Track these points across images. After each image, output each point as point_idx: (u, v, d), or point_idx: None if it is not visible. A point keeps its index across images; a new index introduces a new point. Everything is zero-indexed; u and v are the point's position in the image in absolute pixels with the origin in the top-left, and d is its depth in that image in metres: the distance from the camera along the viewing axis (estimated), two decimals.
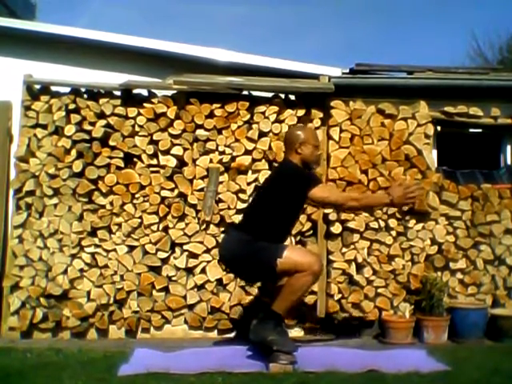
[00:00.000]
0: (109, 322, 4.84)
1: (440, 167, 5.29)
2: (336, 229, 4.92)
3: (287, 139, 4.00)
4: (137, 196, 4.91)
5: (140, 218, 4.89)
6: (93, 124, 4.97)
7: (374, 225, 4.94)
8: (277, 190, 3.77)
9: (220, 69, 5.34)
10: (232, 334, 4.87)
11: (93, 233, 4.89)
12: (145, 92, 5.10)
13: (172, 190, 4.93)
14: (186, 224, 4.90)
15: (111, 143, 4.95)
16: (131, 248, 4.89)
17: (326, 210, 4.89)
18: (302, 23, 32.84)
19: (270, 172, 4.61)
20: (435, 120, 5.20)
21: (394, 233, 4.97)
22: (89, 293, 4.83)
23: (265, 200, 3.86)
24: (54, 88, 5.08)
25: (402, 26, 32.61)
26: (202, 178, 4.95)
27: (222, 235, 4.85)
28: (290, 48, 26.49)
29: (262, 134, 4.98)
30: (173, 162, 4.96)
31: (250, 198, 4.67)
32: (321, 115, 5.02)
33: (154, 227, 4.90)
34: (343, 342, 4.62)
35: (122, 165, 4.94)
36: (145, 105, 4.99)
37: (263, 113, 5.00)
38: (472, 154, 5.96)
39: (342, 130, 5.04)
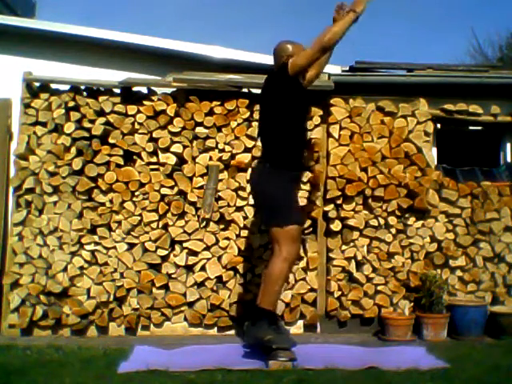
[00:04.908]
0: (109, 319, 4.84)
1: (440, 165, 5.30)
2: (336, 226, 4.92)
3: (276, 51, 3.97)
4: (136, 194, 4.91)
5: (140, 215, 4.89)
6: (92, 122, 4.97)
7: (374, 222, 4.95)
8: (270, 96, 3.79)
9: (219, 66, 5.34)
10: (232, 332, 4.88)
11: (92, 230, 4.90)
12: (144, 89, 5.09)
13: (172, 187, 4.93)
14: (186, 221, 4.90)
15: (111, 141, 4.95)
16: (131, 245, 4.89)
17: (326, 208, 4.90)
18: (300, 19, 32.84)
19: None
20: (435, 118, 5.21)
21: (393, 230, 4.97)
22: (89, 290, 4.84)
23: (267, 114, 3.86)
24: (53, 86, 5.08)
25: (402, 24, 32.64)
26: (202, 176, 4.95)
27: (222, 232, 4.88)
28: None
29: None
30: (172, 160, 4.96)
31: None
32: (320, 113, 5.02)
33: (154, 225, 4.90)
34: (343, 339, 4.62)
35: (122, 162, 4.94)
36: (144, 102, 4.99)
37: None
38: (472, 151, 5.97)
39: (341, 128, 5.04)
